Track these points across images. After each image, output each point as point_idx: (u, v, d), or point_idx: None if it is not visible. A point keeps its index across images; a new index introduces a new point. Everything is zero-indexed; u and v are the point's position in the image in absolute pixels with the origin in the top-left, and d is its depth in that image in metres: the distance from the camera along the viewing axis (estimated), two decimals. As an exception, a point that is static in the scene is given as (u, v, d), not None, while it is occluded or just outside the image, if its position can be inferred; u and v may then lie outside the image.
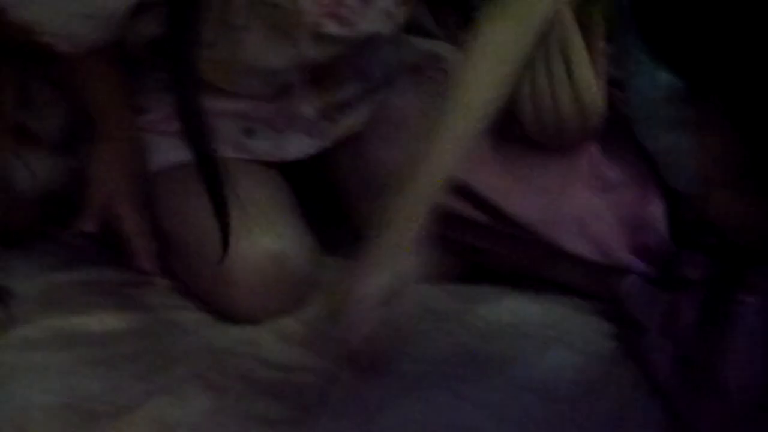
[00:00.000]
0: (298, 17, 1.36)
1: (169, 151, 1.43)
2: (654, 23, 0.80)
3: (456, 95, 1.26)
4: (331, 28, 1.38)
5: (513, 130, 1.42)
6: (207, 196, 1.31)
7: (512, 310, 1.40)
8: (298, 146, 1.49)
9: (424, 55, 1.54)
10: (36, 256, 1.51)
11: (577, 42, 1.38)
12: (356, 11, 1.38)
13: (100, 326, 1.36)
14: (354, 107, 1.50)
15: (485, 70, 1.26)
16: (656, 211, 1.40)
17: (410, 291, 1.22)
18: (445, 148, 1.24)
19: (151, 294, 1.44)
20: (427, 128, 1.25)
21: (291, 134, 1.48)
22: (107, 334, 1.35)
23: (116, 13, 1.30)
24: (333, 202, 1.56)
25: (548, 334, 1.35)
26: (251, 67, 1.40)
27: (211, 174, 1.31)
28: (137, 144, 1.46)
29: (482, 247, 1.45)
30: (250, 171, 1.45)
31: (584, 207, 1.41)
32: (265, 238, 1.37)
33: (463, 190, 1.38)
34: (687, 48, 0.78)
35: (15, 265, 1.47)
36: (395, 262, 1.20)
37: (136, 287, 1.44)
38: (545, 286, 1.43)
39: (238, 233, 1.36)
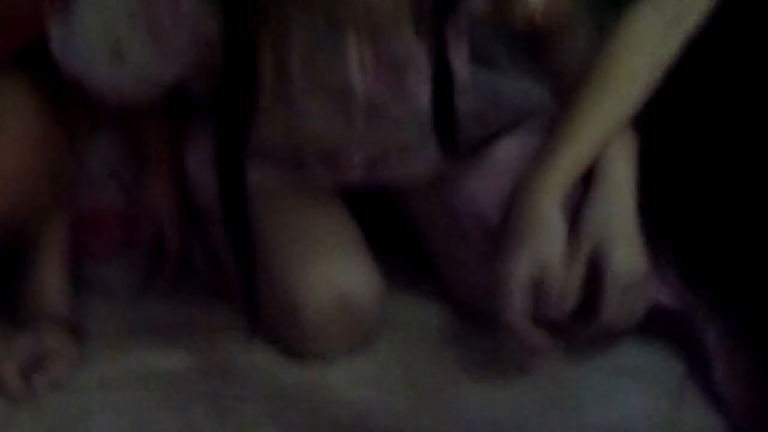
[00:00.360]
0: (351, 92, 1.29)
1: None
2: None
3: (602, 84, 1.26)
4: (391, 106, 1.32)
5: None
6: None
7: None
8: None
9: (486, 99, 1.46)
10: (110, 293, 1.53)
11: None
12: (416, 84, 1.31)
13: (173, 365, 1.37)
14: (410, 155, 1.43)
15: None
16: None
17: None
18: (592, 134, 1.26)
19: (224, 333, 1.45)
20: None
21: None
22: (180, 373, 1.36)
23: (167, 79, 1.32)
24: (401, 235, 1.56)
25: (619, 371, 1.34)
26: (306, 135, 1.37)
27: (238, 228, 1.31)
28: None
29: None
30: (315, 205, 1.44)
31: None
32: (332, 275, 1.36)
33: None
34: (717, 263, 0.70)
35: (90, 302, 1.49)
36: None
37: (208, 326, 1.46)
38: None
39: (304, 270, 1.36)
